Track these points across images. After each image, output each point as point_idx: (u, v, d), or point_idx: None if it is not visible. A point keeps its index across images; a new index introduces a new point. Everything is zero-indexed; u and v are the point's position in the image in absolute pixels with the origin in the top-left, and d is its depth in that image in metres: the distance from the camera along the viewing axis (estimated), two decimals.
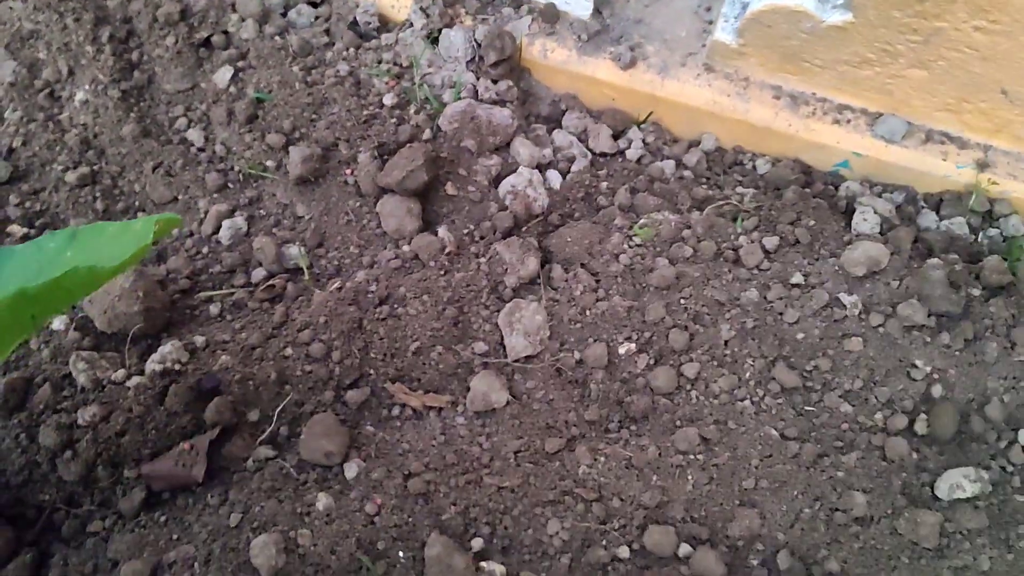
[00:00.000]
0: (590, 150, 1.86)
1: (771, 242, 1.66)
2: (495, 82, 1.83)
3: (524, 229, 1.75)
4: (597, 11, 1.86)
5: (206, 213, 1.75)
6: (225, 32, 1.82)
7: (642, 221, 1.72)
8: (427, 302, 1.61)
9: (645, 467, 1.51)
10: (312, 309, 1.59)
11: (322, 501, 1.43)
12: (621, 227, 1.72)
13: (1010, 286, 1.59)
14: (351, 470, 1.48)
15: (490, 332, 1.62)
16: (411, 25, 1.86)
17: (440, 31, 1.84)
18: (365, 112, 1.76)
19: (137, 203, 1.78)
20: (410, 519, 1.42)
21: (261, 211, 1.77)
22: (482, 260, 1.67)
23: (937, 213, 1.78)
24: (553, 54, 1.86)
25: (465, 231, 1.73)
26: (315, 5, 1.90)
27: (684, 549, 1.43)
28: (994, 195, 1.75)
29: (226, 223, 1.73)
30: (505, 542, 1.44)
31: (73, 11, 1.81)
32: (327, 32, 1.86)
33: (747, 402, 1.55)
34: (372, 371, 1.58)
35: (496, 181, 1.77)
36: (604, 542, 1.44)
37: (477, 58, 1.83)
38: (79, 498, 1.46)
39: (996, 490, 1.46)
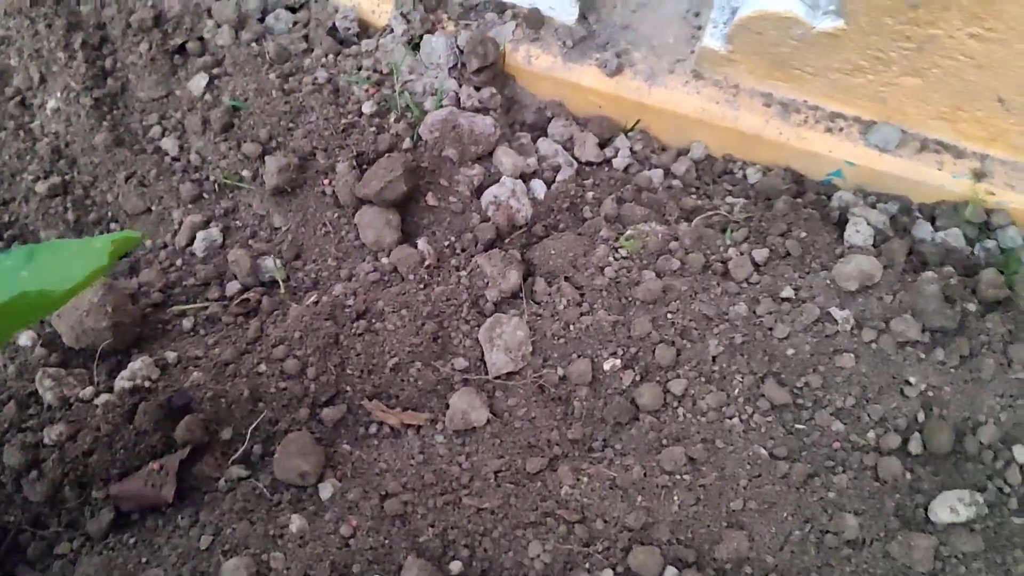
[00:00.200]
0: (576, 159, 1.82)
1: (761, 254, 1.62)
2: (478, 89, 1.78)
3: (507, 241, 1.71)
4: (583, 16, 1.82)
5: (180, 224, 1.70)
6: (200, 38, 1.78)
7: (628, 232, 1.67)
8: (406, 317, 1.56)
9: (630, 487, 1.46)
10: (287, 324, 1.55)
11: (296, 523, 1.38)
12: (607, 239, 1.67)
13: (1007, 301, 1.55)
14: (326, 490, 1.43)
15: (470, 348, 1.57)
16: (392, 31, 1.81)
17: (421, 37, 1.79)
18: (343, 120, 1.72)
19: (109, 214, 1.73)
20: (386, 541, 1.38)
21: (237, 222, 1.73)
22: (463, 273, 1.63)
23: (932, 224, 1.73)
24: (537, 60, 1.81)
25: (446, 243, 1.68)
26: (294, 10, 1.86)
27: (670, 572, 1.38)
28: (991, 205, 1.70)
29: (200, 234, 1.69)
30: (484, 565, 1.39)
31: (45, 17, 1.77)
32: (305, 38, 1.82)
33: (735, 420, 1.50)
34: (349, 388, 1.53)
35: (478, 191, 1.72)
36: (587, 565, 1.39)
37: (459, 65, 1.78)
38: (45, 519, 1.42)
39: (992, 512, 1.42)
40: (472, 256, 1.65)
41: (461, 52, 1.78)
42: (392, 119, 1.75)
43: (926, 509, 1.43)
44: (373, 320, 1.57)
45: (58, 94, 1.76)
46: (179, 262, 1.67)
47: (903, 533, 1.39)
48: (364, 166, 1.71)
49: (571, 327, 1.57)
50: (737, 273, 1.60)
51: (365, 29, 1.87)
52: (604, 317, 1.57)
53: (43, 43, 1.77)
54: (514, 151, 1.76)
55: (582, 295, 1.62)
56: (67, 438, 1.43)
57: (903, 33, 1.53)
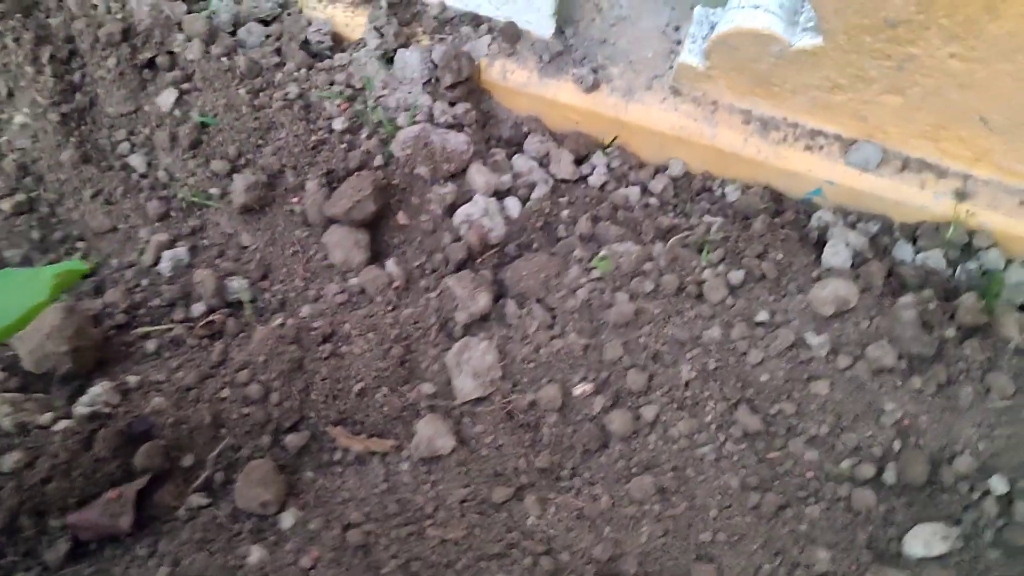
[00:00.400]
0: (552, 175, 1.78)
1: (736, 276, 1.58)
2: (452, 105, 1.75)
3: (479, 261, 1.67)
4: (560, 31, 1.78)
5: (147, 243, 1.67)
6: (170, 52, 1.74)
7: (602, 253, 1.63)
8: (372, 340, 1.53)
9: (597, 518, 1.43)
10: (252, 347, 1.52)
11: (255, 554, 1.36)
12: (580, 259, 1.64)
13: (986, 327, 1.51)
14: (287, 520, 1.41)
15: (438, 372, 1.54)
16: (365, 45, 1.77)
17: (395, 51, 1.76)
18: (314, 137, 1.69)
19: (76, 232, 1.70)
20: (347, 573, 1.35)
21: (204, 241, 1.70)
22: (432, 295, 1.60)
23: (913, 244, 1.69)
24: (513, 76, 1.78)
25: (416, 263, 1.65)
26: (266, 23, 1.82)
27: None
28: (973, 226, 1.66)
29: (167, 254, 1.66)
30: None
31: (13, 30, 1.73)
32: (278, 52, 1.78)
33: (707, 448, 1.47)
34: (313, 414, 1.50)
35: (450, 210, 1.69)
36: None
37: (434, 80, 1.74)
38: (2, 549, 1.39)
39: (968, 545, 1.39)
40: (442, 277, 1.61)
41: (435, 67, 1.74)
42: (364, 135, 1.71)
43: (900, 542, 1.40)
44: (339, 343, 1.54)
45: (25, 109, 1.73)
46: (145, 282, 1.64)
47: (875, 567, 1.36)
48: (334, 184, 1.67)
49: (541, 351, 1.54)
50: (712, 296, 1.57)
51: (339, 43, 1.83)
52: (575, 340, 1.54)
53: (11, 57, 1.73)
54: (488, 168, 1.72)
55: (554, 317, 1.58)
56: (24, 465, 1.40)
57: (883, 51, 1.49)
